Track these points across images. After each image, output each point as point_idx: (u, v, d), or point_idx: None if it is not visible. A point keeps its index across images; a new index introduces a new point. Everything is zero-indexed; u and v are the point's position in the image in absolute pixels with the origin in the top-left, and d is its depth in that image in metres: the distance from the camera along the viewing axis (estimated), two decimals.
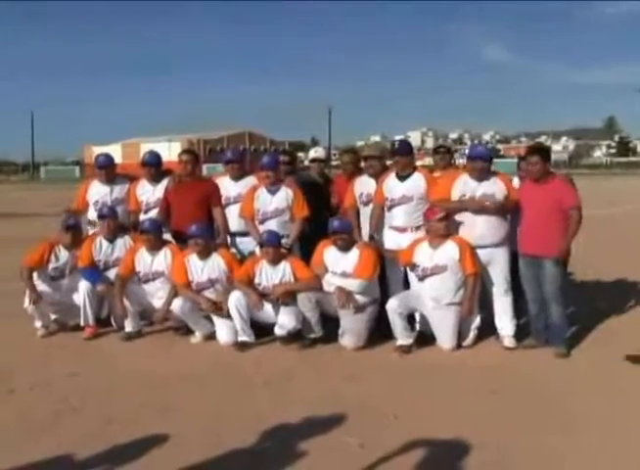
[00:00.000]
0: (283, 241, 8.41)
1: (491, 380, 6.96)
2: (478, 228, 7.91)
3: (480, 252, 7.91)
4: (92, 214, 9.38)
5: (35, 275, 8.88)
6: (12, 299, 9.66)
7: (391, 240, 8.44)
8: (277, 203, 8.67)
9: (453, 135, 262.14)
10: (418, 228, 8.27)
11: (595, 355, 7.70)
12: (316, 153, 9.87)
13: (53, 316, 9.06)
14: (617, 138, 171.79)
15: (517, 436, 5.58)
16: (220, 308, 8.27)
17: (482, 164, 7.94)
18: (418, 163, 10.47)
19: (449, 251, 7.85)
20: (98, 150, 59.63)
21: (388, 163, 8.76)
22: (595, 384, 6.87)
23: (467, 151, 8.56)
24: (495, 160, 8.98)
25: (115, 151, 50.00)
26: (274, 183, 8.74)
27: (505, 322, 8.06)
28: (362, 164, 9.09)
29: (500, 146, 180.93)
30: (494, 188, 7.91)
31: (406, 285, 8.37)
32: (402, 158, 8.37)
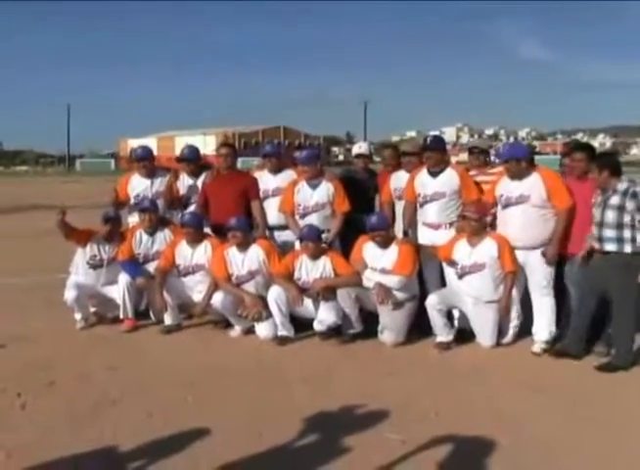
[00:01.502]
0: (323, 236, 8.41)
1: (533, 378, 6.90)
2: (512, 228, 7.80)
3: (516, 253, 7.82)
4: (133, 207, 9.40)
5: (74, 264, 9.00)
6: (51, 290, 9.74)
7: (425, 237, 8.38)
8: (318, 197, 8.64)
9: (489, 131, 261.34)
10: (451, 225, 8.21)
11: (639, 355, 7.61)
12: (360, 148, 9.77)
13: (92, 309, 9.11)
14: None
15: (559, 435, 5.51)
16: (260, 312, 8.27)
17: (507, 166, 7.80)
18: (453, 158, 10.41)
19: (488, 248, 7.76)
20: (133, 143, 59.97)
21: None
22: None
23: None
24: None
25: (151, 144, 50.13)
26: (314, 177, 8.71)
27: (540, 327, 7.87)
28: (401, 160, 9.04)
29: (536, 143, 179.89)
30: (532, 189, 7.67)
31: (442, 282, 8.33)
32: (434, 153, 8.27)
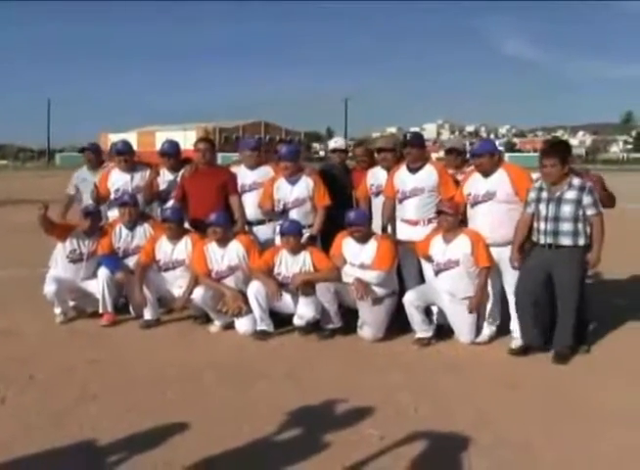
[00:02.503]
0: (305, 230, 8.46)
1: (511, 374, 6.94)
2: (481, 226, 7.84)
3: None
4: (113, 202, 9.37)
5: (54, 258, 9.00)
6: (31, 284, 9.70)
7: (404, 233, 8.38)
8: (298, 193, 8.65)
9: (469, 128, 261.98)
10: (430, 221, 8.21)
11: (615, 350, 7.69)
12: (336, 143, 9.80)
13: (71, 303, 9.09)
14: (634, 134, 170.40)
15: (538, 432, 5.54)
16: (240, 308, 8.27)
17: (480, 161, 7.82)
18: (433, 155, 10.44)
19: (461, 245, 7.78)
20: (113, 137, 59.68)
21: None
22: (616, 378, 6.82)
23: None
24: (512, 154, 8.94)
25: (131, 139, 49.94)
26: (293, 174, 8.73)
27: (517, 323, 7.84)
28: (376, 156, 9.06)
29: (516, 140, 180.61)
30: (498, 186, 7.72)
31: (421, 277, 8.36)
32: (414, 150, 8.28)
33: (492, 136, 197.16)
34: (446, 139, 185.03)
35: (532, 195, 7.40)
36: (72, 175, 10.18)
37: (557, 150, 7.48)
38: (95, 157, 9.96)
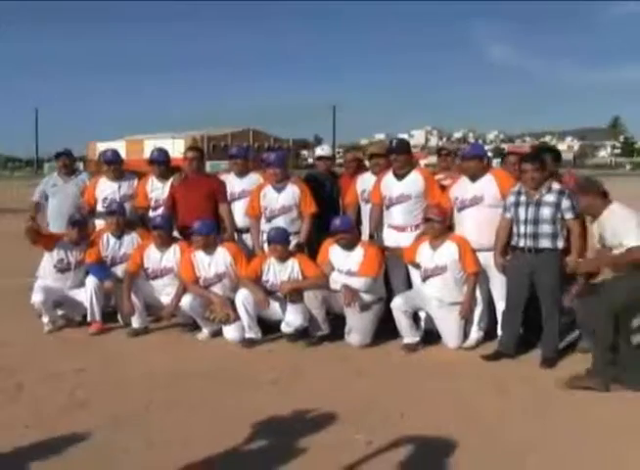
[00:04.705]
0: (292, 238, 8.47)
1: (498, 378, 6.94)
2: (467, 230, 7.90)
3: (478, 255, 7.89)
4: (101, 211, 9.38)
5: (42, 268, 9.00)
6: (17, 294, 9.69)
7: (391, 239, 8.43)
8: (284, 200, 8.65)
9: (457, 134, 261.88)
10: (417, 227, 8.25)
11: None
12: (323, 151, 9.85)
13: (60, 312, 9.08)
14: (621, 139, 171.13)
15: (526, 435, 5.57)
16: (228, 315, 8.27)
17: (469, 164, 7.91)
18: (422, 161, 10.50)
19: (449, 251, 7.81)
20: (102, 146, 59.52)
21: None
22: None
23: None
24: (500, 159, 9.00)
25: (119, 147, 49.61)
26: (281, 181, 8.74)
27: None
28: (367, 163, 9.10)
29: (504, 145, 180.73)
30: (483, 190, 7.81)
31: (408, 283, 8.40)
32: (400, 156, 8.32)
33: (480, 142, 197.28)
34: (434, 145, 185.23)
35: (511, 199, 7.45)
36: (41, 182, 10.29)
37: (536, 155, 7.57)
38: (70, 163, 10.05)
